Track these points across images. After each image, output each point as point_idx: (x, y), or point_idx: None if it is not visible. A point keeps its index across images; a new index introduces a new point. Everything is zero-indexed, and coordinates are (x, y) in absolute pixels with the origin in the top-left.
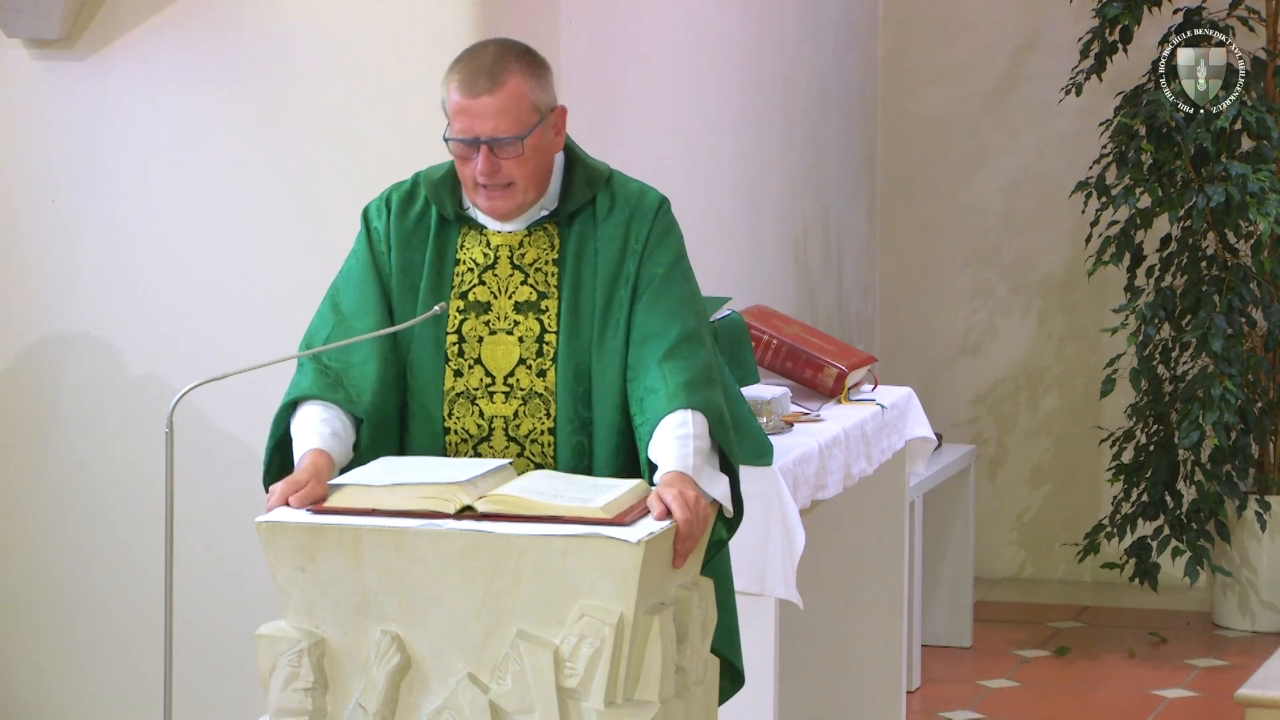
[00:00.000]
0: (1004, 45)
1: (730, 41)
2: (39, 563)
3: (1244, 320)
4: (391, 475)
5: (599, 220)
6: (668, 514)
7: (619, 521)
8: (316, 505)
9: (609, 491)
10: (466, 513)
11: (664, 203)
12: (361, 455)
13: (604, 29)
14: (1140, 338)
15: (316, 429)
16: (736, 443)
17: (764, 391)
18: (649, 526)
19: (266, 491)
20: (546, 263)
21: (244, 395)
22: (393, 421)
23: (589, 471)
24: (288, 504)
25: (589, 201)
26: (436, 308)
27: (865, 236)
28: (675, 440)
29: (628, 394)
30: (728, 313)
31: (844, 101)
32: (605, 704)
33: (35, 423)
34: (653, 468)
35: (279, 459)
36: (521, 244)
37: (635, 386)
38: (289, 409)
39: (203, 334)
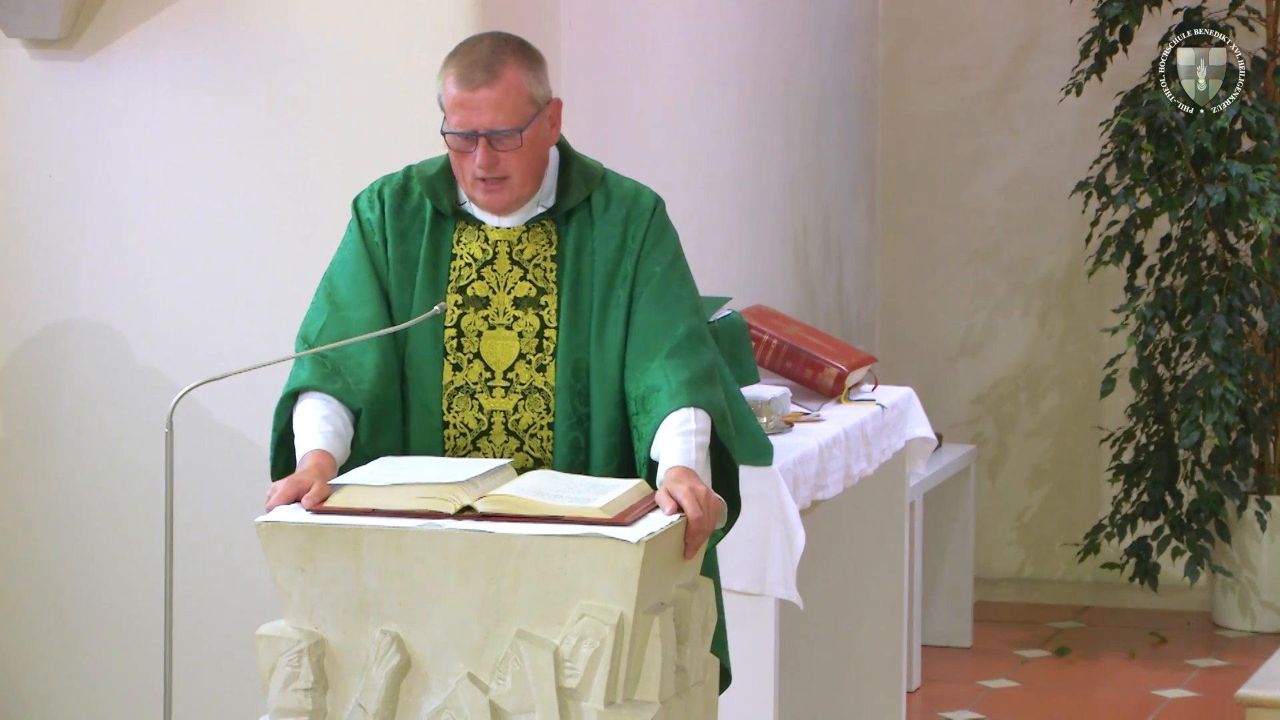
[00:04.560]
0: (1004, 45)
1: (730, 41)
2: (39, 563)
3: (1244, 320)
4: (391, 475)
5: (596, 217)
6: (678, 510)
7: (619, 521)
8: (318, 505)
9: (609, 491)
10: (466, 513)
11: (659, 202)
12: (362, 448)
13: (604, 29)
14: (1140, 338)
15: (318, 427)
16: (737, 441)
17: (764, 391)
18: (649, 526)
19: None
20: (545, 259)
21: (244, 395)
22: (393, 412)
23: (585, 467)
24: (298, 504)
25: (585, 199)
26: (436, 308)
27: (865, 236)
28: (679, 436)
29: (626, 392)
30: (728, 313)
31: (844, 101)
32: (605, 704)
33: (35, 424)
34: (654, 465)
35: (284, 453)
36: (520, 240)
37: (636, 384)
38: (289, 400)
39: (203, 334)
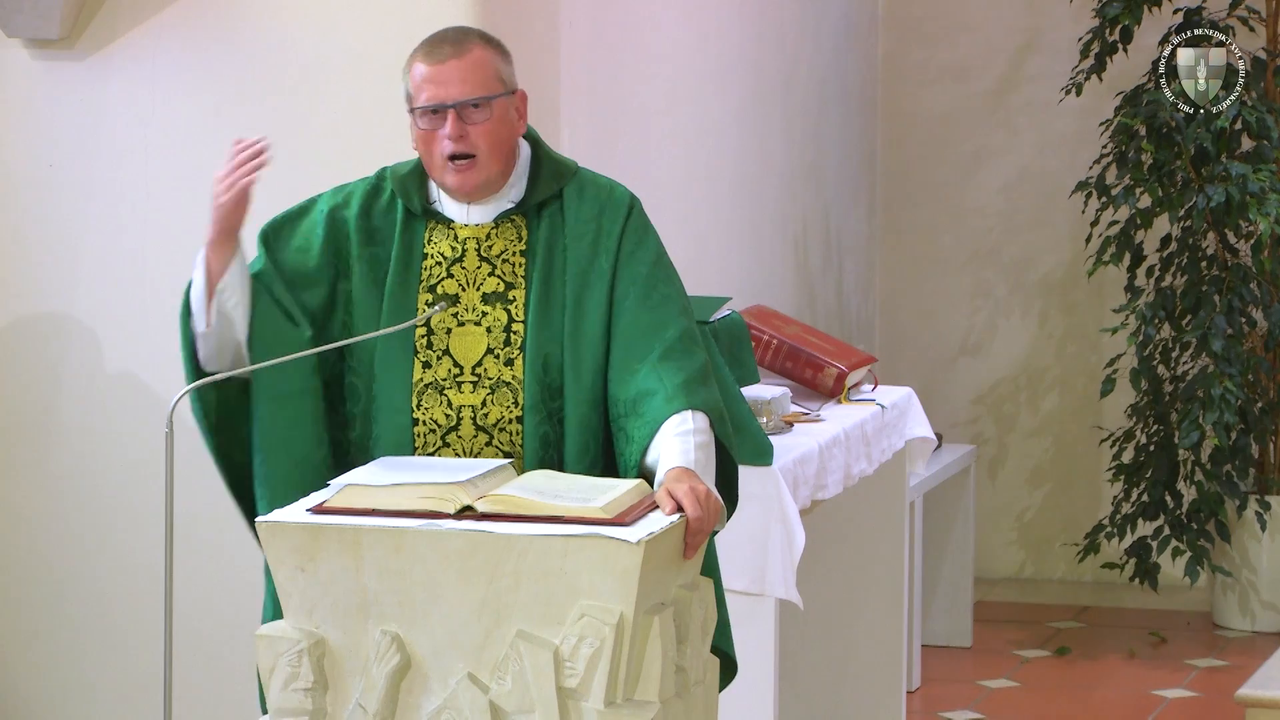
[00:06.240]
0: (1004, 45)
1: (730, 41)
2: (38, 562)
3: (1244, 320)
4: (391, 475)
5: (568, 213)
6: (678, 509)
7: (619, 521)
8: (318, 508)
9: (609, 491)
10: (466, 513)
11: (636, 201)
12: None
13: (604, 29)
14: (1140, 338)
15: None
16: (736, 440)
17: (764, 391)
18: (649, 526)
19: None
20: (514, 254)
21: None
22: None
23: (557, 463)
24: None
25: (556, 194)
26: (437, 307)
27: (865, 236)
28: (677, 437)
29: (612, 394)
30: (728, 313)
31: (844, 101)
32: (605, 704)
33: (33, 424)
34: (645, 469)
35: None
36: (489, 236)
37: (625, 387)
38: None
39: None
